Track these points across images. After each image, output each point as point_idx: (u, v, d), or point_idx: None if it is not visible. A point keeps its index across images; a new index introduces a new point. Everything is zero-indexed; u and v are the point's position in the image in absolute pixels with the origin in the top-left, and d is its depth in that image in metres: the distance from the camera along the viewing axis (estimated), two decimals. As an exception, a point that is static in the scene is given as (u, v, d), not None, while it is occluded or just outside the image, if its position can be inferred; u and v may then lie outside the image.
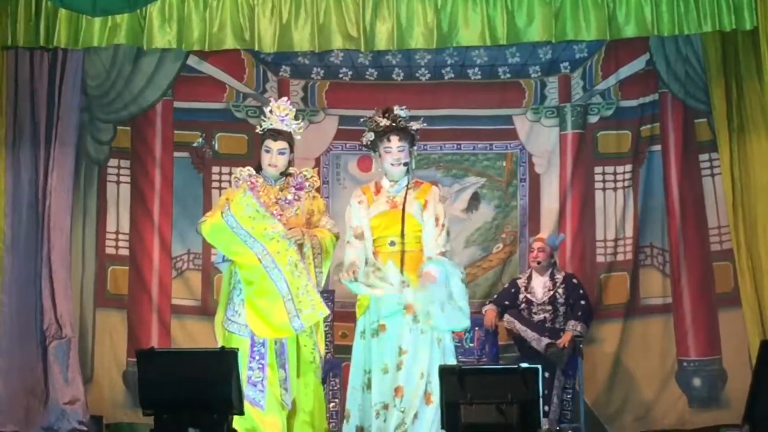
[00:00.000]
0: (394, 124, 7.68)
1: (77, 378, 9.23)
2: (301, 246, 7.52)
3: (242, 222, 7.45)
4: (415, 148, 7.80)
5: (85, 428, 9.02)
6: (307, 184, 7.76)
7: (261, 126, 7.78)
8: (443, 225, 7.68)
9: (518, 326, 9.16)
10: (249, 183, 7.64)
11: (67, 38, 8.53)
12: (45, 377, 9.16)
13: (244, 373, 7.44)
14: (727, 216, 9.16)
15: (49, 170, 9.24)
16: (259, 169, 7.77)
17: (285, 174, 7.77)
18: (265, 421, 7.47)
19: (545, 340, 9.00)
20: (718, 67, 9.08)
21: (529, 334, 9.07)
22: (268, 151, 7.68)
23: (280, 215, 7.57)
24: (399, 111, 7.72)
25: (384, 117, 7.71)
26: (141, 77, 9.72)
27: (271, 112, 7.75)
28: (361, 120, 7.93)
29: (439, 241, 7.65)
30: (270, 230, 7.47)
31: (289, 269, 7.49)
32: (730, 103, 9.05)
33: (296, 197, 7.69)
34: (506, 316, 9.22)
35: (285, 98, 7.98)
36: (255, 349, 7.55)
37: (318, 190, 7.91)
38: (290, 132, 7.75)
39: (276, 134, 7.68)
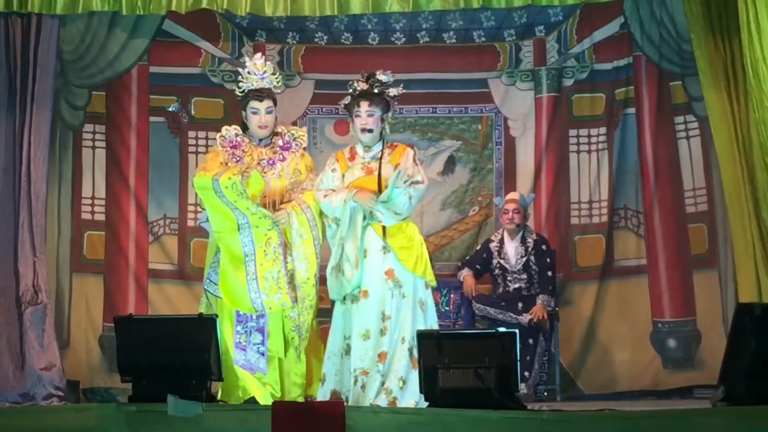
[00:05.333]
0: (368, 89, 7.64)
1: (53, 343, 9.15)
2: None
3: (227, 194, 7.40)
4: (390, 114, 7.74)
5: (61, 393, 8.94)
6: (294, 144, 7.72)
7: (239, 88, 7.72)
8: (420, 182, 7.60)
9: (492, 312, 9.14)
10: (231, 143, 7.61)
11: (41, 3, 8.42)
12: (21, 343, 9.08)
13: (231, 338, 7.48)
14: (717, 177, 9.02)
15: (24, 135, 9.17)
16: (245, 128, 7.74)
17: (273, 133, 7.74)
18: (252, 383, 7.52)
19: (525, 318, 9.02)
20: (702, 26, 8.77)
21: (506, 317, 9.06)
22: (255, 113, 7.63)
23: (263, 176, 7.55)
24: (381, 76, 7.63)
25: (363, 81, 7.67)
26: (116, 42, 9.63)
27: (248, 72, 7.70)
28: (348, 85, 7.88)
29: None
30: (252, 208, 7.44)
31: (262, 249, 7.46)
32: (724, 62, 8.59)
33: (280, 157, 7.66)
34: (476, 305, 9.18)
35: (259, 54, 7.89)
36: (240, 313, 7.58)
37: (305, 148, 7.85)
38: (271, 89, 7.72)
39: (260, 94, 7.63)
